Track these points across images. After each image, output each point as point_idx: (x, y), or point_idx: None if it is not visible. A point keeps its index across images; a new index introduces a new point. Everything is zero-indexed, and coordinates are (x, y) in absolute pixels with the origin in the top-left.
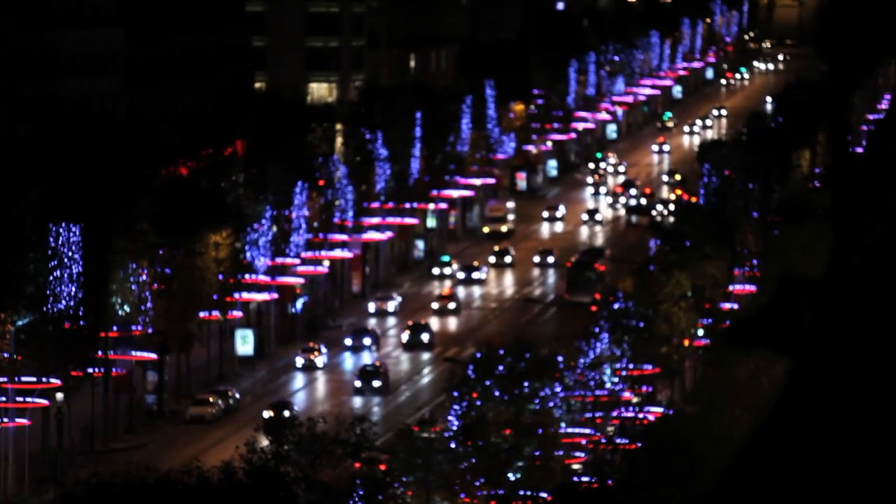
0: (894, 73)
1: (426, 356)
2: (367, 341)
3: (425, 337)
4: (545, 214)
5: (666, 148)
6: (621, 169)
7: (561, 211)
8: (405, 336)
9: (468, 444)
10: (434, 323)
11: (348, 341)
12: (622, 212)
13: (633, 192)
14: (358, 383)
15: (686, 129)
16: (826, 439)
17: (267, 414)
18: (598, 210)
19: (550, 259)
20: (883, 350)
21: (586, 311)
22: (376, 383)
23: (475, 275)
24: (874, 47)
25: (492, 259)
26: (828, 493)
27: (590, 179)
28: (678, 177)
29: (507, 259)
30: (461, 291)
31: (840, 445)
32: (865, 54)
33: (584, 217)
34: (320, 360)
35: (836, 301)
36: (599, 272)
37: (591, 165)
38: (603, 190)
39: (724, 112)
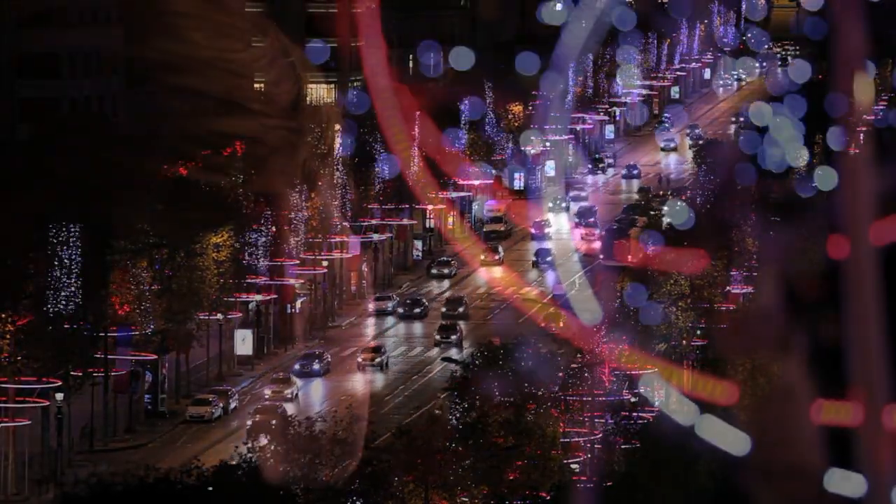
0: (891, 73)
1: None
2: (315, 365)
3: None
4: (482, 257)
5: (635, 172)
6: (583, 193)
7: (499, 252)
8: (248, 422)
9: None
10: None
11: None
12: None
13: (591, 220)
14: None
15: (661, 144)
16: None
17: None
18: (549, 251)
19: (453, 337)
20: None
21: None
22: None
23: (416, 310)
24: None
25: (444, 309)
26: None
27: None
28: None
29: (461, 309)
30: (402, 328)
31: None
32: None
33: (533, 258)
34: (289, 392)
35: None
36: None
37: (590, 166)
38: (564, 217)
39: (699, 131)
